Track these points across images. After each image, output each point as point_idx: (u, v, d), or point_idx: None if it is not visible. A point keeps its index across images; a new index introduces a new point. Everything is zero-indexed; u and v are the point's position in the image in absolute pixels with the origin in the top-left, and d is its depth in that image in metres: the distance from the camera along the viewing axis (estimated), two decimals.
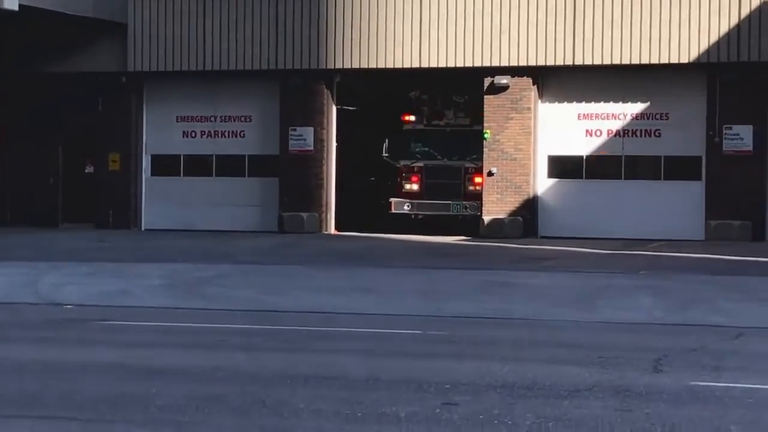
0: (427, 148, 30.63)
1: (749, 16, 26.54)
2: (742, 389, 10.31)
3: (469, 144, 29.60)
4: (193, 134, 31.20)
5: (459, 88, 30.06)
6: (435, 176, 30.08)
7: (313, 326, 14.73)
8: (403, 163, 30.52)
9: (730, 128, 26.90)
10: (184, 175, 31.29)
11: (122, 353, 12.38)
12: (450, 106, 30.44)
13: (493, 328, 14.88)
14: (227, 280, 19.63)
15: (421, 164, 30.37)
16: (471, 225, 29.16)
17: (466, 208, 29.60)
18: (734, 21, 26.65)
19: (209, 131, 31.07)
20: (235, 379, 10.75)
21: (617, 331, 14.56)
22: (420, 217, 30.26)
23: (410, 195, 30.22)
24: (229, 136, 30.92)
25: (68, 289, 18.53)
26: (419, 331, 14.28)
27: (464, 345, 13.20)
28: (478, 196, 29.03)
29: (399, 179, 30.51)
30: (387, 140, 30.70)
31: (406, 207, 30.15)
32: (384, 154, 30.78)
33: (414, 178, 30.27)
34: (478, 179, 29.20)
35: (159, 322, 15.08)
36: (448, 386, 10.37)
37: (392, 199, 30.33)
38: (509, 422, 9.02)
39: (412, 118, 30.61)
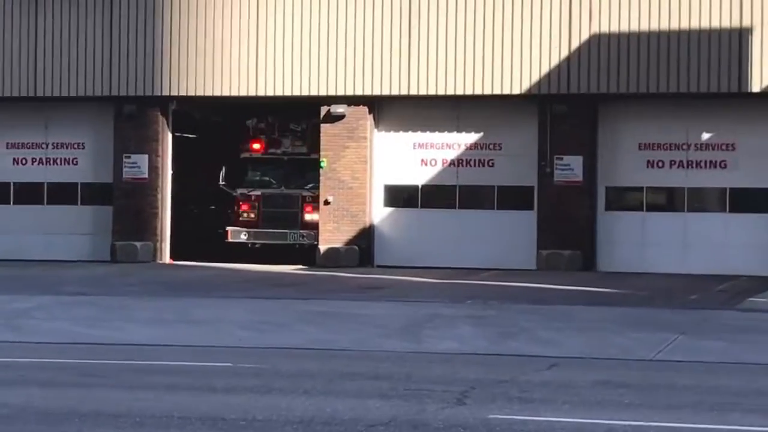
0: (265, 177, 30.41)
1: (579, 49, 27.03)
2: (541, 422, 10.29)
3: (306, 172, 29.50)
4: (24, 161, 30.41)
5: (296, 116, 29.94)
6: (272, 205, 29.87)
7: (125, 360, 14.32)
8: (240, 191, 30.22)
9: (561, 159, 27.31)
10: (14, 203, 30.47)
11: None
12: (287, 135, 30.28)
13: (311, 359, 14.69)
14: (46, 312, 19.04)
15: (258, 193, 30.12)
16: (308, 254, 28.99)
17: (302, 236, 29.43)
18: (564, 54, 27.11)
19: (41, 158, 30.33)
20: (21, 417, 10.32)
21: (435, 361, 14.49)
22: (257, 246, 29.98)
23: (247, 224, 29.93)
24: (61, 164, 30.22)
25: None
26: (230, 364, 14.00)
27: (273, 378, 12.96)
28: (315, 225, 28.90)
29: (236, 208, 30.21)
30: (224, 168, 30.35)
31: (243, 236, 29.84)
32: (221, 183, 30.42)
33: (251, 207, 29.99)
34: (315, 208, 29.09)
35: None
36: (243, 422, 10.13)
37: (229, 228, 29.98)
38: None
39: (250, 146, 30.33)
